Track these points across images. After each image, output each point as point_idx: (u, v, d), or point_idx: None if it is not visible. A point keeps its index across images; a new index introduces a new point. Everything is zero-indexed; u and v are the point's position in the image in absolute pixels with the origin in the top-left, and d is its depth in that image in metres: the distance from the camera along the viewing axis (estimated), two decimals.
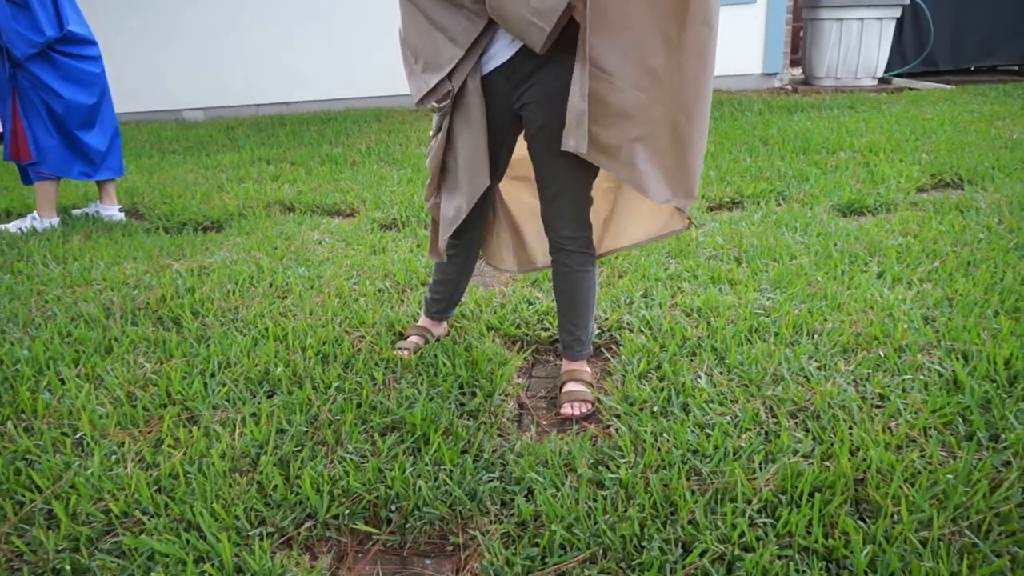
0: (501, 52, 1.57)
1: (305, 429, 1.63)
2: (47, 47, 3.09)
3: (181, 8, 6.87)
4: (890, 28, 6.63)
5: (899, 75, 7.12)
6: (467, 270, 1.97)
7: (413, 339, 2.01)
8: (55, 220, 3.36)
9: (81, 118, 3.26)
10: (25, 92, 3.14)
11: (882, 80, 6.93)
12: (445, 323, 2.10)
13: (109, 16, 6.63)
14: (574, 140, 1.46)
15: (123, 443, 1.60)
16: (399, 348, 1.98)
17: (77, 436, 1.63)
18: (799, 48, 7.61)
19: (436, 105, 1.63)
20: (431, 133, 1.74)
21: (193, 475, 1.47)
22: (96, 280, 2.55)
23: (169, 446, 1.58)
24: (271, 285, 2.46)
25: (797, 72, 7.66)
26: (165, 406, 1.75)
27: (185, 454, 1.55)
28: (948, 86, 6.60)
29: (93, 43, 3.29)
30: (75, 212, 3.57)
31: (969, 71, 7.49)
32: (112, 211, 3.53)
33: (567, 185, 1.64)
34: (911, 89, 6.62)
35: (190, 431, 1.63)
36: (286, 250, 2.83)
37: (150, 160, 4.94)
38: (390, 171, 4.21)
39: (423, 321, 2.07)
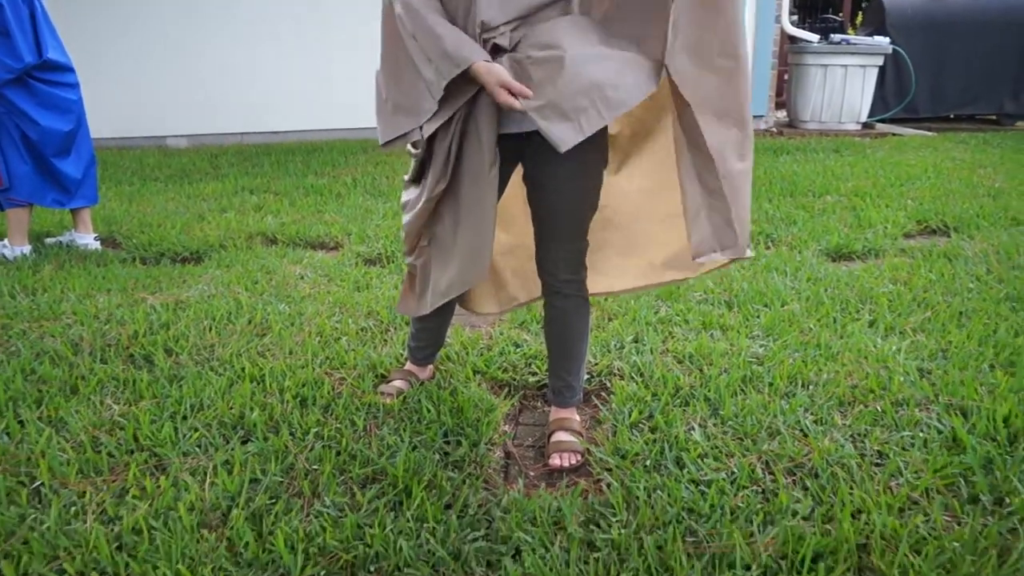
0: (519, 119, 1.45)
1: (280, 479, 1.55)
2: (25, 73, 3.02)
3: (167, 34, 6.84)
4: (873, 75, 6.76)
5: (882, 120, 7.24)
6: (448, 316, 1.90)
7: (397, 383, 1.93)
8: (27, 248, 3.26)
9: (57, 146, 3.18)
10: None
11: (865, 125, 7.04)
12: (431, 366, 2.03)
13: (93, 40, 6.59)
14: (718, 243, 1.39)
15: (84, 493, 1.50)
16: (382, 393, 1.90)
17: (35, 485, 1.53)
18: (783, 91, 7.74)
19: (412, 149, 1.57)
20: (406, 178, 1.66)
21: (158, 530, 1.37)
22: (65, 314, 2.45)
23: (134, 497, 1.49)
24: (249, 322, 2.38)
25: (782, 115, 7.77)
26: (132, 452, 1.66)
27: (151, 506, 1.45)
28: (929, 133, 6.72)
29: (71, 70, 3.23)
30: (49, 240, 3.46)
31: (949, 119, 7.64)
32: (87, 240, 3.43)
33: (567, 229, 1.60)
34: (894, 135, 6.72)
35: (157, 481, 1.53)
36: (266, 285, 2.76)
37: (131, 187, 4.85)
38: (376, 204, 4.15)
39: (408, 365, 2.00)
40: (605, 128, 1.49)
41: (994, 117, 7.54)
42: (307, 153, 6.05)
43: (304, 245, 3.42)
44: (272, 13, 6.81)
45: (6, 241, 3.23)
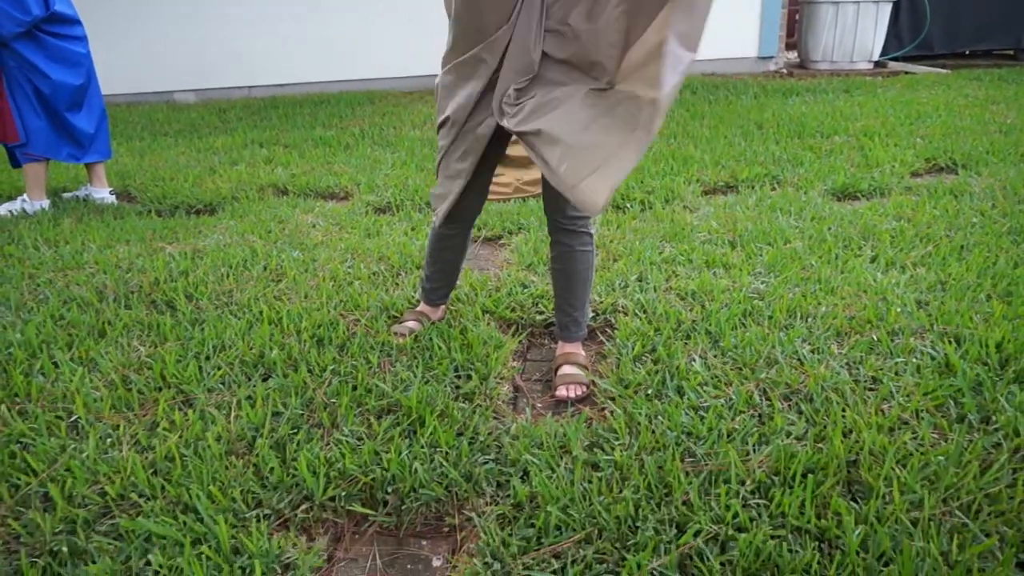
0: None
1: (301, 412, 1.63)
2: (33, 26, 3.04)
3: None
4: (886, 12, 6.60)
5: (895, 59, 7.10)
6: (462, 255, 1.96)
7: (409, 323, 2.01)
8: (45, 203, 3.33)
9: (69, 99, 3.22)
10: (11, 72, 3.10)
11: (878, 64, 6.91)
12: (443, 307, 2.10)
13: None
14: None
15: (118, 426, 1.60)
16: (395, 332, 1.98)
17: (72, 419, 1.62)
18: (794, 31, 7.58)
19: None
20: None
21: (189, 458, 1.47)
22: (88, 263, 2.53)
23: (164, 429, 1.58)
24: (265, 268, 2.45)
25: (792, 56, 7.63)
26: (160, 389, 1.75)
27: (181, 437, 1.55)
28: (943, 70, 6.59)
29: (79, 23, 3.24)
30: (65, 195, 3.54)
31: (964, 55, 7.48)
32: (103, 193, 3.50)
33: None
34: (907, 73, 6.60)
35: (185, 414, 1.63)
36: (280, 233, 2.82)
37: (141, 143, 4.90)
38: (384, 154, 4.18)
39: (421, 307, 2.07)
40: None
41: (1011, 52, 7.36)
42: (314, 105, 6.04)
43: (315, 195, 3.47)
44: None
45: (25, 196, 3.30)
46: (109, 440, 1.54)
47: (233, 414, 1.63)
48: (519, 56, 1.46)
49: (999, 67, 6.76)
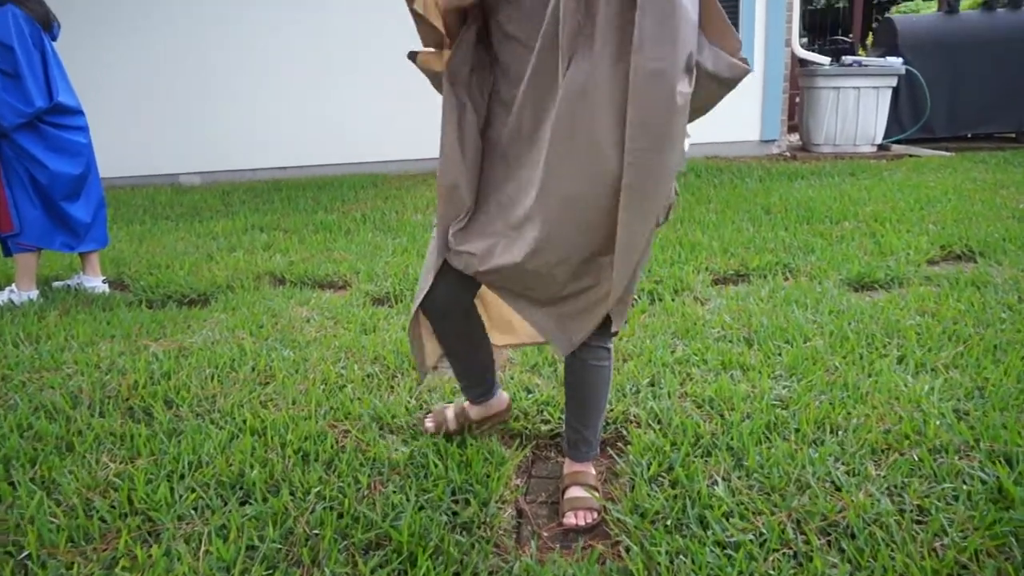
0: None
1: (279, 546, 1.46)
2: (35, 117, 3.01)
3: (180, 72, 6.91)
4: (887, 96, 6.68)
5: (897, 142, 7.14)
6: (474, 347, 1.73)
7: (448, 413, 1.89)
8: (34, 293, 3.23)
9: (66, 189, 3.16)
10: (9, 162, 3.06)
11: (880, 147, 6.94)
12: (498, 395, 1.87)
13: (104, 78, 6.66)
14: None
15: (72, 564, 1.42)
16: (425, 422, 1.92)
17: (22, 556, 1.45)
18: (795, 115, 7.67)
19: None
20: None
21: None
22: (67, 363, 2.39)
23: (124, 567, 1.41)
24: (253, 370, 2.31)
25: (795, 138, 7.69)
26: (125, 516, 1.58)
27: None
28: (947, 153, 6.61)
29: (81, 113, 3.22)
30: (56, 284, 3.43)
31: (966, 138, 7.52)
32: (96, 283, 3.40)
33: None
34: (910, 156, 6.62)
35: (149, 550, 1.45)
36: (272, 329, 2.69)
37: (141, 227, 4.85)
38: (385, 240, 4.10)
39: (465, 404, 1.88)
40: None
41: (1013, 135, 7.41)
42: (318, 188, 6.04)
43: (312, 285, 3.37)
44: (282, 54, 6.86)
45: (13, 286, 3.20)
46: None
47: (203, 549, 1.45)
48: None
49: (1003, 150, 6.78)
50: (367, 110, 6.89)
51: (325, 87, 6.93)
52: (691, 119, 1.38)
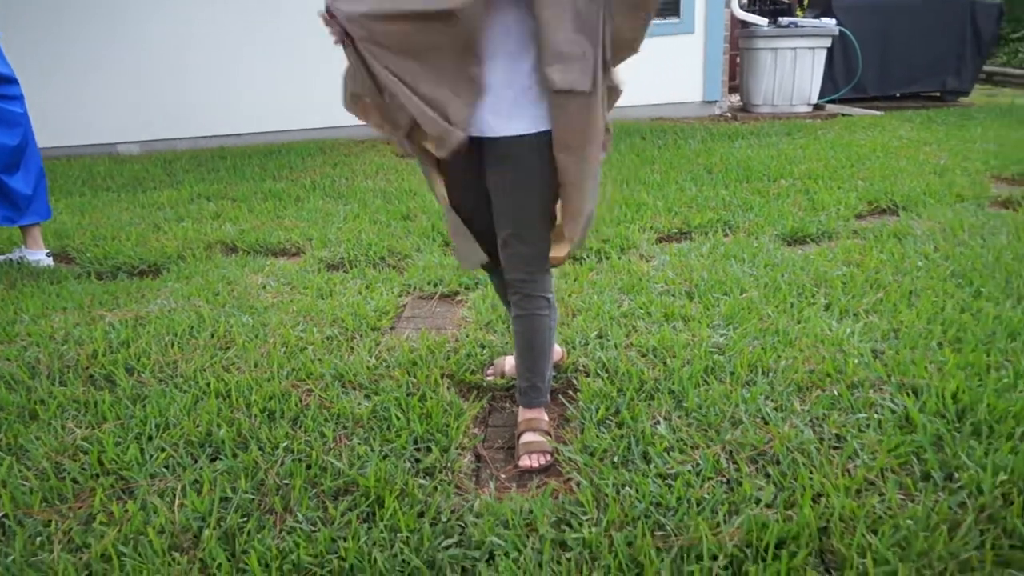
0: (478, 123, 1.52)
1: (251, 497, 1.54)
2: None
3: (113, 39, 6.65)
4: (822, 57, 6.89)
5: (831, 101, 7.40)
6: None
7: (507, 363, 2.09)
8: None
9: (4, 161, 3.09)
10: None
11: (816, 107, 7.18)
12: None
13: (38, 47, 6.38)
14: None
15: (50, 522, 1.48)
16: (487, 373, 2.10)
17: None
18: (736, 75, 7.85)
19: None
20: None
21: (128, 556, 1.36)
22: (20, 335, 2.39)
23: (101, 523, 1.47)
24: (212, 336, 2.35)
25: (736, 99, 7.88)
26: (97, 476, 1.63)
27: (119, 532, 1.44)
28: (877, 112, 6.89)
29: (15, 82, 3.13)
30: None
31: (895, 97, 7.84)
32: (39, 256, 3.35)
33: (522, 229, 1.61)
34: (843, 115, 6.88)
35: (125, 505, 1.52)
36: (228, 296, 2.72)
37: (81, 198, 4.73)
38: (336, 207, 4.12)
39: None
40: (550, 142, 1.50)
41: (938, 94, 7.75)
42: (264, 156, 5.96)
43: (265, 252, 3.38)
44: (220, 19, 6.66)
45: None
46: (39, 540, 1.43)
47: (177, 502, 1.53)
48: None
49: (927, 108, 7.10)
50: (312, 76, 6.76)
51: (268, 52, 6.77)
52: (622, 55, 1.47)
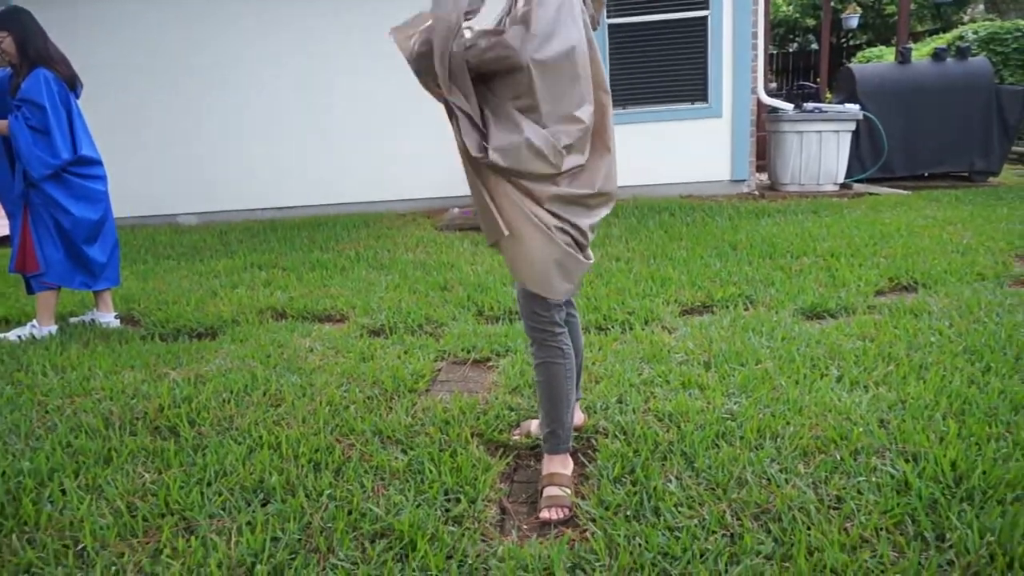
0: None
1: (298, 537, 1.72)
2: (61, 169, 3.31)
3: (177, 116, 7.26)
4: (847, 139, 7.13)
5: (859, 181, 7.58)
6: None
7: (532, 425, 2.23)
8: (54, 328, 3.48)
9: (87, 233, 3.45)
10: (36, 208, 3.34)
11: (843, 185, 7.36)
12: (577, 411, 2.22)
13: (105, 121, 6.99)
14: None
15: (123, 554, 1.67)
16: (513, 434, 2.26)
17: (79, 547, 1.70)
18: (764, 154, 8.11)
19: None
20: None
21: None
22: (95, 389, 2.65)
23: (168, 556, 1.66)
24: (265, 394, 2.57)
25: (764, 177, 8.12)
26: (163, 516, 1.83)
27: (183, 564, 1.62)
28: (904, 191, 7.03)
29: (100, 163, 3.53)
30: (72, 320, 3.69)
31: (924, 177, 7.98)
32: (108, 318, 3.66)
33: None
34: (870, 194, 7.03)
35: (188, 541, 1.71)
36: (279, 358, 2.96)
37: (145, 266, 5.12)
38: (378, 276, 4.40)
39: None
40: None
41: (966, 174, 7.88)
42: (312, 228, 6.34)
43: (312, 318, 3.64)
44: (275, 102, 7.24)
45: (35, 322, 3.46)
46: (114, 568, 1.62)
47: (233, 540, 1.71)
48: None
49: (955, 188, 7.22)
50: (359, 154, 7.24)
51: (320, 132, 7.29)
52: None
